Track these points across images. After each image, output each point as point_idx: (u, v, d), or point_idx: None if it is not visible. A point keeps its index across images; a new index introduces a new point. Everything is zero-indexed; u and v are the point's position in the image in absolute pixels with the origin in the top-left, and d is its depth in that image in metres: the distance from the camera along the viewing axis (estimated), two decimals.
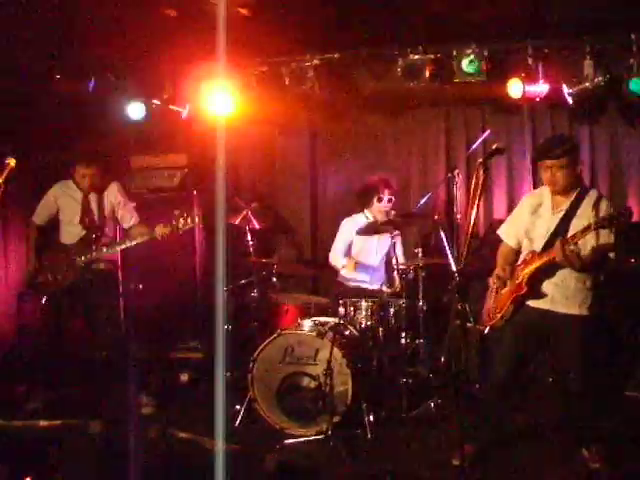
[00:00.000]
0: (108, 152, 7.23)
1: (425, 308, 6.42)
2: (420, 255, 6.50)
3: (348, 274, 6.86)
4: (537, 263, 4.77)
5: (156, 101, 7.60)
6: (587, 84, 6.59)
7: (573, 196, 4.80)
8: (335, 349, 5.49)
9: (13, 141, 6.50)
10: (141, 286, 7.27)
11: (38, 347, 6.63)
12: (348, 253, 7.04)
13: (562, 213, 4.80)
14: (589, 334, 4.84)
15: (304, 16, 6.23)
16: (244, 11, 6.03)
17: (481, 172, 4.27)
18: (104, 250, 6.30)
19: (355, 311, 6.31)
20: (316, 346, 5.66)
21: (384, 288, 6.47)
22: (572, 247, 4.54)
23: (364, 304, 6.30)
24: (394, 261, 6.48)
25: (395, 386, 6.16)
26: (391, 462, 5.08)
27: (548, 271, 4.78)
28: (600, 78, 6.53)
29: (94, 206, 6.40)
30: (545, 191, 5.00)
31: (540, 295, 4.84)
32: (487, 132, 7.07)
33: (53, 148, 7.41)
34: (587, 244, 4.62)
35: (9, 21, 5.99)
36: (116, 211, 6.51)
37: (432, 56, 6.86)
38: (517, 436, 5.38)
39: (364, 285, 6.77)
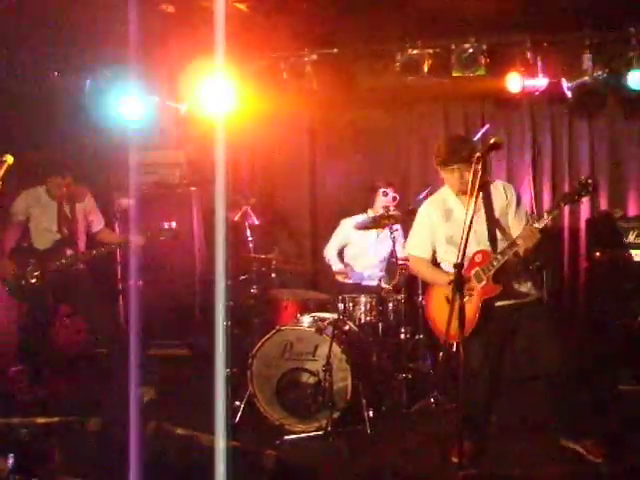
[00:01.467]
0: (106, 150, 7.26)
1: (424, 303, 6.40)
2: None
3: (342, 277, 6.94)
4: (501, 259, 4.63)
5: (154, 97, 7.58)
6: (586, 78, 6.59)
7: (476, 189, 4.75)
8: (334, 345, 5.49)
9: (10, 138, 6.49)
10: (140, 282, 7.26)
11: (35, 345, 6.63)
12: (341, 254, 7.15)
13: (481, 211, 4.79)
14: (549, 312, 4.98)
15: (302, 11, 6.22)
16: (242, 6, 6.02)
17: (479, 166, 4.26)
18: (78, 257, 6.46)
19: (354, 307, 6.31)
20: (315, 342, 5.66)
21: (383, 284, 6.47)
22: (536, 232, 4.52)
23: (363, 300, 6.30)
24: (393, 256, 6.47)
25: (394, 382, 6.17)
26: (391, 458, 5.07)
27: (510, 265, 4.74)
28: (599, 72, 6.53)
29: (68, 212, 6.53)
30: (445, 195, 5.02)
31: (505, 291, 4.75)
32: (486, 126, 7.07)
33: (49, 145, 7.38)
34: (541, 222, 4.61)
35: (4, 18, 5.98)
36: (88, 217, 6.66)
37: (431, 51, 6.86)
38: (513, 432, 5.37)
39: (365, 281, 6.79)
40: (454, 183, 4.86)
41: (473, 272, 4.75)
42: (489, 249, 4.78)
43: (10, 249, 6.42)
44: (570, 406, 4.87)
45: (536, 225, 4.53)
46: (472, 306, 4.70)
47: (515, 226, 4.81)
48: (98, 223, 6.74)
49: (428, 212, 5.11)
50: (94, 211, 6.71)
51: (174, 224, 6.49)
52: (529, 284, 4.87)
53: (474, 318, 4.70)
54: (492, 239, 4.80)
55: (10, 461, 3.48)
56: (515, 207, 4.87)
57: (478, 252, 4.77)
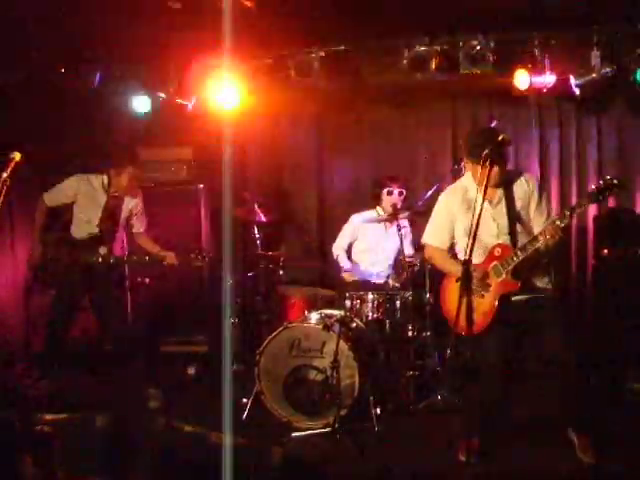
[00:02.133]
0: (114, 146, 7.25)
1: (432, 300, 6.40)
2: None
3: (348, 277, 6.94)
4: (520, 255, 4.59)
5: (162, 94, 7.58)
6: (594, 75, 6.56)
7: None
8: (342, 342, 5.49)
9: (18, 135, 6.51)
10: (148, 280, 7.27)
11: (46, 339, 6.64)
12: (349, 250, 7.13)
13: (502, 203, 4.77)
14: (563, 307, 4.91)
15: (309, 8, 6.20)
16: (249, 3, 6.01)
17: (487, 163, 4.25)
18: (117, 260, 6.45)
19: (362, 304, 6.31)
20: (323, 339, 5.66)
21: (390, 281, 6.47)
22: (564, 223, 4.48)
23: (370, 297, 6.30)
24: (401, 254, 6.47)
25: (402, 379, 6.16)
26: (398, 455, 5.08)
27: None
28: (607, 69, 6.50)
29: (115, 208, 6.46)
30: (468, 184, 4.96)
31: (523, 285, 4.71)
32: (494, 123, 7.05)
33: (57, 142, 7.41)
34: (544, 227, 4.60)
35: (14, 15, 5.99)
36: (132, 217, 6.59)
37: (438, 47, 6.83)
38: (522, 429, 5.36)
39: (373, 278, 6.79)
40: (476, 175, 4.79)
41: (491, 266, 4.72)
42: (509, 243, 4.72)
43: (42, 228, 6.38)
44: (577, 398, 4.83)
45: (558, 222, 4.46)
46: (489, 301, 4.69)
47: (537, 220, 4.78)
48: (140, 225, 6.64)
49: (448, 201, 5.05)
50: (141, 213, 6.63)
51: (210, 254, 6.45)
52: (546, 279, 4.83)
53: (490, 313, 4.68)
54: (512, 232, 4.74)
55: None
56: (537, 200, 4.81)
57: (498, 245, 4.73)
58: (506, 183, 4.80)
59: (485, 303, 4.70)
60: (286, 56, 7.20)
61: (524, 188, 4.84)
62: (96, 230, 6.35)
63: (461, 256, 4.95)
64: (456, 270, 4.72)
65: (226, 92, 7.20)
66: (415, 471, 4.80)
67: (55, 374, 6.39)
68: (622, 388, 6.17)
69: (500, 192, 4.79)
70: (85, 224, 6.37)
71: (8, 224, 7.61)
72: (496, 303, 4.67)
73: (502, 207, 4.78)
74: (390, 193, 6.82)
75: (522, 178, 4.88)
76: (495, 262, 4.71)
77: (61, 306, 6.39)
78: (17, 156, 5.09)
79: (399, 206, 6.63)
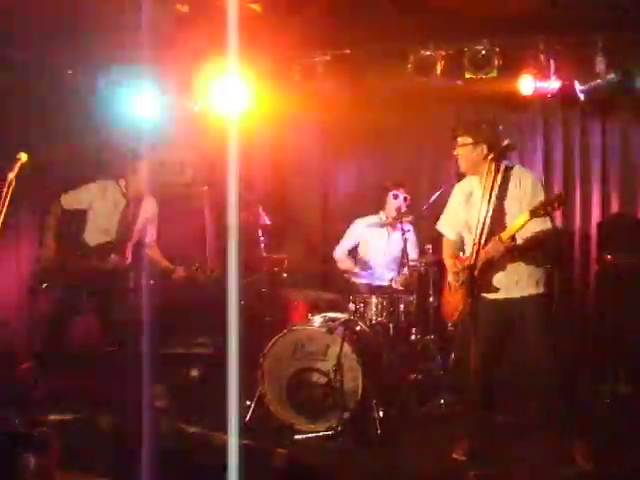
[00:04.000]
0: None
1: (436, 304, 6.41)
2: (431, 252, 6.51)
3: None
4: (481, 260, 4.69)
5: (167, 97, 7.60)
6: (599, 81, 6.56)
7: (499, 178, 4.73)
8: (345, 345, 5.50)
9: (23, 136, 6.54)
10: (152, 282, 7.28)
11: (45, 340, 6.65)
12: (354, 254, 7.15)
13: (493, 199, 4.72)
14: (549, 309, 4.94)
15: (315, 12, 6.22)
16: (255, 7, 6.03)
17: (492, 168, 4.27)
18: (128, 268, 6.57)
19: (365, 307, 6.32)
20: (326, 342, 5.67)
21: (394, 284, 6.48)
22: (506, 244, 4.56)
23: (374, 300, 6.32)
24: (405, 257, 6.48)
25: (405, 382, 6.17)
26: (401, 458, 5.08)
27: (497, 262, 4.74)
28: (612, 75, 6.50)
29: (131, 216, 6.50)
30: (474, 177, 4.98)
31: (494, 286, 4.81)
32: (499, 128, 7.05)
33: (63, 143, 7.42)
34: (524, 233, 4.63)
35: (18, 17, 6.01)
36: (147, 226, 6.64)
37: (443, 52, 6.84)
38: (521, 431, 5.37)
39: (374, 282, 6.80)
40: (460, 161, 4.89)
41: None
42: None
43: (54, 230, 6.38)
44: (566, 408, 4.87)
45: (506, 244, 4.56)
46: (461, 291, 4.87)
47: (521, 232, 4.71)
48: (152, 235, 6.70)
49: (455, 191, 5.16)
50: (154, 222, 6.70)
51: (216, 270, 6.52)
52: (532, 279, 4.83)
53: (462, 301, 4.88)
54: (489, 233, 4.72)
55: None
56: (529, 199, 4.72)
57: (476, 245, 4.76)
58: (504, 176, 4.77)
59: (457, 294, 4.90)
60: (291, 60, 7.22)
61: (517, 185, 4.79)
62: (109, 238, 6.39)
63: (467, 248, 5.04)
64: (448, 265, 5.04)
65: (231, 95, 7.21)
66: (417, 474, 4.82)
67: (55, 375, 6.42)
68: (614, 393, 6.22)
69: (495, 187, 4.74)
70: (100, 231, 6.42)
71: (13, 224, 7.62)
72: (466, 296, 4.82)
73: (491, 202, 4.72)
74: (396, 197, 6.85)
75: (525, 176, 4.84)
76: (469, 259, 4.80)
77: (62, 308, 6.42)
78: (24, 157, 5.11)
79: (403, 211, 6.66)
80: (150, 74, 7.51)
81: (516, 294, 4.82)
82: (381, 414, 5.59)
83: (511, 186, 4.77)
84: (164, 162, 7.96)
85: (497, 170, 4.45)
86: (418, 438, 5.47)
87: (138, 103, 7.57)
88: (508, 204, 4.73)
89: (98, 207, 6.44)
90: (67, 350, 6.62)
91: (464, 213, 4.97)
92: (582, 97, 6.79)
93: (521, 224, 4.51)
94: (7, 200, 4.93)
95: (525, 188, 4.75)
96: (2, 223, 4.86)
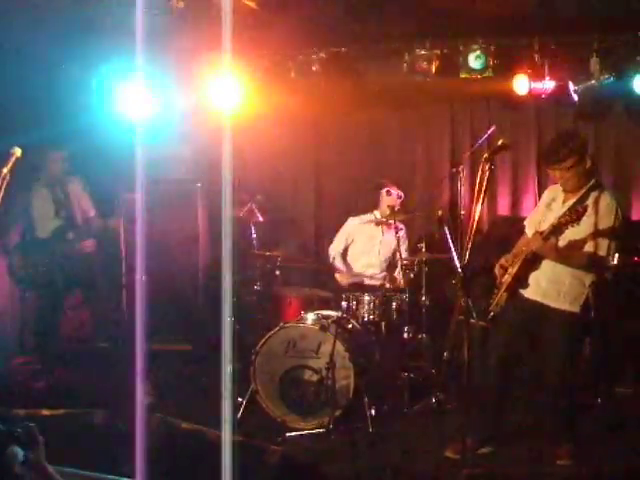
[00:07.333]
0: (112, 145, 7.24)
1: (428, 303, 6.42)
2: (423, 250, 6.52)
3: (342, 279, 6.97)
4: (523, 254, 4.80)
5: (161, 93, 7.57)
6: (593, 81, 6.58)
7: (582, 192, 4.80)
8: (338, 343, 5.51)
9: (17, 132, 6.51)
10: (144, 277, 7.26)
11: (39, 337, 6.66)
12: (347, 252, 7.16)
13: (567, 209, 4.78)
14: (575, 331, 4.94)
15: (311, 9, 6.22)
16: (251, 4, 6.02)
17: (486, 168, 4.27)
18: (80, 232, 6.69)
19: (358, 305, 6.31)
20: (319, 339, 5.67)
21: (387, 283, 6.49)
22: (549, 239, 4.63)
23: (367, 298, 6.30)
24: (397, 256, 6.49)
25: (397, 380, 6.18)
26: (392, 457, 5.09)
27: (543, 265, 4.81)
28: (606, 76, 6.51)
29: (62, 197, 6.65)
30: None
31: (534, 286, 4.87)
32: (492, 128, 7.05)
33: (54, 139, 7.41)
34: (566, 238, 4.69)
35: (13, 14, 5.99)
36: (80, 201, 6.81)
37: (438, 51, 6.85)
38: (519, 430, 5.38)
39: (367, 281, 6.81)
40: (557, 181, 4.91)
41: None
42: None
43: (15, 244, 6.49)
44: (559, 413, 4.95)
45: (549, 239, 4.68)
46: (503, 284, 4.97)
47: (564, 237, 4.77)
48: (90, 208, 6.87)
49: (545, 195, 5.19)
50: (85, 196, 6.84)
51: None
52: (571, 295, 4.84)
53: (500, 293, 4.99)
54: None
55: None
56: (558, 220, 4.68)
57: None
58: (587, 192, 4.81)
59: (500, 286, 4.99)
60: (287, 57, 7.21)
61: (594, 204, 4.77)
62: (58, 222, 6.49)
63: None
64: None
65: (226, 92, 7.19)
66: (408, 472, 4.82)
67: (48, 371, 6.42)
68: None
69: (575, 199, 4.80)
70: (46, 219, 6.62)
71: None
72: (504, 289, 4.94)
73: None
74: (389, 193, 6.88)
75: (602, 196, 4.80)
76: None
77: (44, 305, 6.48)
78: (18, 152, 5.10)
79: (396, 209, 6.67)
80: (145, 70, 7.49)
81: (552, 304, 4.85)
82: (373, 412, 5.60)
83: (589, 201, 4.75)
84: (157, 158, 7.94)
85: (490, 169, 4.43)
86: (410, 436, 5.47)
87: (132, 99, 7.53)
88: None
89: (35, 203, 6.67)
90: (59, 346, 6.64)
91: (542, 216, 5.02)
92: (576, 97, 6.80)
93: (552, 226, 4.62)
94: (1, 194, 4.93)
95: (599, 208, 4.74)
96: None
